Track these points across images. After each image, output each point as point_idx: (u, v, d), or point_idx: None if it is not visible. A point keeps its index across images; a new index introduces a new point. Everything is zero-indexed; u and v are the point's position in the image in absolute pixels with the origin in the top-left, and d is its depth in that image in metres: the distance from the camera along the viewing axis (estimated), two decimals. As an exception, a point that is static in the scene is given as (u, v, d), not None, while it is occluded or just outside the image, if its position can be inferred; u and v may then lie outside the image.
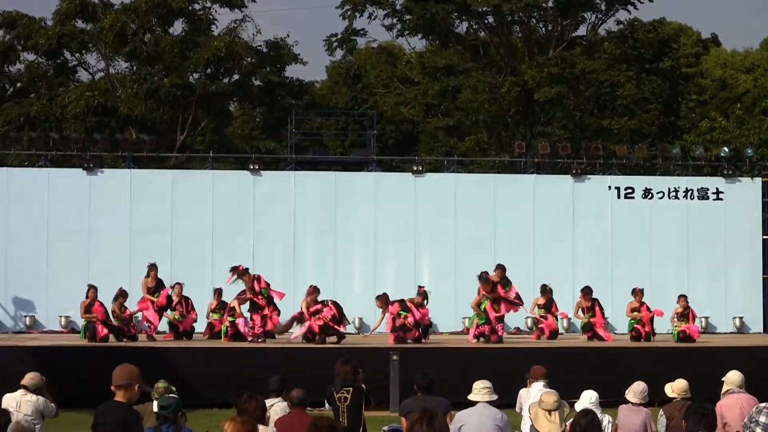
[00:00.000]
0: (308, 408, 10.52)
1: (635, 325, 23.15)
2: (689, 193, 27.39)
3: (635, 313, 23.09)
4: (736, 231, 27.22)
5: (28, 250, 25.33)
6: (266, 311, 20.82)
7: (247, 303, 21.05)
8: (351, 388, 11.00)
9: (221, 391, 18.12)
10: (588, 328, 23.25)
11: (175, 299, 22.63)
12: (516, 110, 39.22)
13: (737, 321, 27.07)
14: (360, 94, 46.51)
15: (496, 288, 21.74)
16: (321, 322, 20.59)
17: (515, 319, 24.97)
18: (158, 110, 37.36)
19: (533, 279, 24.96)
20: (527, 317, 24.96)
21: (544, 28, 40.62)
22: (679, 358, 20.52)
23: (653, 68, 41.39)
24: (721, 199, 27.39)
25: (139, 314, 22.83)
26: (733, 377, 11.06)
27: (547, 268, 25.79)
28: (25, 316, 25.31)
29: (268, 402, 10.20)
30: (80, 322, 22.50)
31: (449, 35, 39.70)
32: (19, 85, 38.69)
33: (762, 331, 27.14)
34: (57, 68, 38.03)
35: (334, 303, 21.04)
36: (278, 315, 21.11)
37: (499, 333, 21.68)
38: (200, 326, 23.11)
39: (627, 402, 11.11)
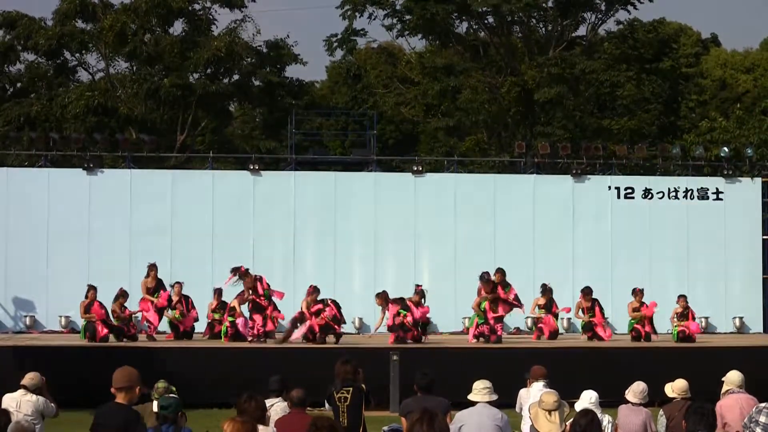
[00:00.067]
0: (308, 408, 10.52)
1: (635, 325, 23.15)
2: (689, 193, 27.39)
3: (636, 313, 23.08)
4: (736, 231, 27.22)
5: (28, 250, 25.33)
6: (268, 312, 20.84)
7: (248, 303, 21.06)
8: (351, 388, 11.01)
9: (221, 391, 18.10)
10: (588, 328, 23.26)
11: (175, 298, 22.64)
12: (516, 110, 39.22)
13: (737, 321, 27.08)
14: (360, 94, 46.51)
15: (496, 288, 21.76)
16: (322, 322, 20.61)
17: (515, 319, 24.98)
18: (158, 110, 37.36)
19: (533, 279, 24.94)
20: (527, 317, 24.96)
21: (544, 29, 40.62)
22: (679, 358, 20.52)
23: (653, 68, 41.39)
24: (721, 200, 27.40)
25: (139, 314, 22.82)
26: (733, 377, 11.06)
27: (547, 269, 25.78)
28: (25, 316, 25.32)
29: (268, 402, 10.20)
30: (80, 322, 22.51)
31: (449, 35, 39.68)
32: (19, 85, 38.69)
33: (762, 331, 27.14)
34: (57, 68, 38.02)
35: (334, 302, 21.06)
36: (279, 313, 21.15)
37: (498, 333, 21.69)
38: (200, 326, 23.11)
39: (627, 402, 11.11)
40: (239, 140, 43.15)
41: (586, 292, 23.35)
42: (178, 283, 22.80)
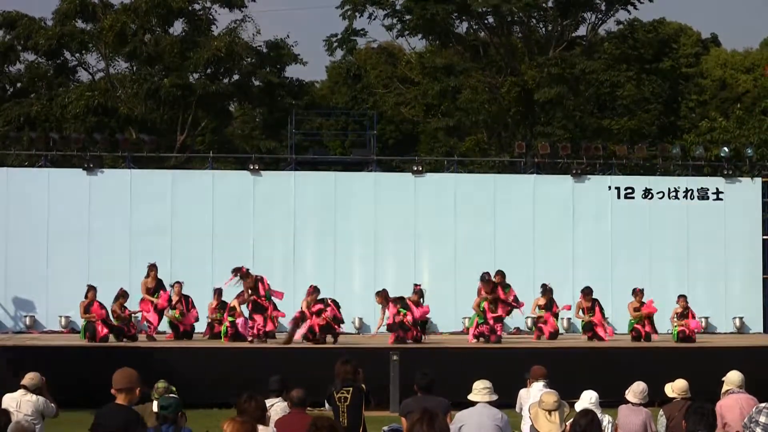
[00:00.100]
0: (308, 408, 10.52)
1: (635, 325, 23.14)
2: (689, 193, 27.40)
3: (638, 313, 23.08)
4: (736, 231, 27.22)
5: (28, 250, 25.33)
6: (269, 312, 20.85)
7: (248, 303, 21.04)
8: (351, 388, 11.00)
9: (221, 391, 18.09)
10: (588, 328, 23.26)
11: (175, 298, 22.64)
12: (516, 110, 39.22)
13: (737, 321, 27.08)
14: (360, 94, 46.50)
15: (496, 289, 21.78)
16: (323, 322, 20.61)
17: (515, 319, 24.97)
18: (158, 110, 37.36)
19: (533, 279, 24.95)
20: (527, 317, 24.96)
21: (544, 29, 40.62)
22: (679, 358, 20.52)
23: (653, 68, 41.39)
24: (721, 199, 27.40)
25: (139, 314, 22.81)
26: (733, 377, 11.06)
27: (547, 269, 25.78)
28: (25, 316, 25.32)
29: (268, 402, 10.20)
30: (80, 322, 22.51)
31: (449, 35, 39.68)
32: (19, 85, 38.69)
33: (762, 331, 27.14)
34: (57, 68, 38.02)
35: (334, 301, 21.07)
36: (279, 312, 21.16)
37: (498, 333, 21.70)
38: (200, 326, 23.11)
39: (627, 402, 11.11)
40: (239, 140, 43.15)
41: (587, 292, 23.35)
42: (178, 282, 22.79)
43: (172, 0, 36.29)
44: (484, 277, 21.95)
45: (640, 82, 40.62)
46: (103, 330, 21.24)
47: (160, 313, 22.59)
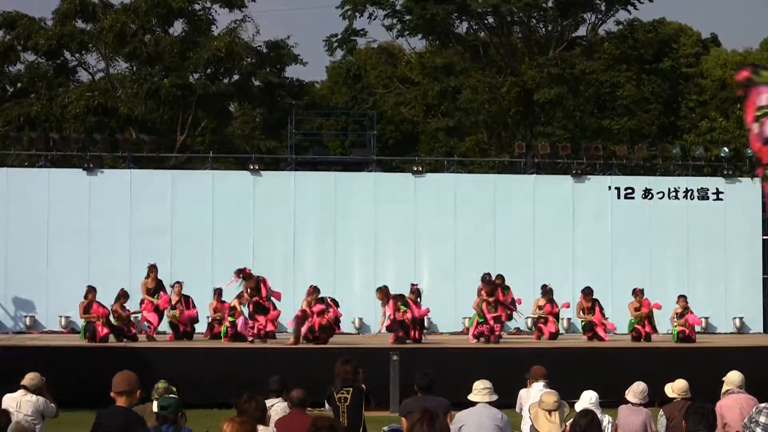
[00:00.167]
0: (308, 408, 10.52)
1: (635, 325, 23.15)
2: (689, 194, 27.40)
3: (638, 312, 23.07)
4: (736, 231, 27.22)
5: (28, 250, 25.33)
6: (271, 313, 20.86)
7: (248, 304, 21.05)
8: (351, 389, 11.01)
9: (221, 391, 18.10)
10: (588, 328, 23.26)
11: (175, 298, 22.63)
12: (516, 110, 39.23)
13: (737, 321, 27.08)
14: (360, 94, 46.51)
15: (496, 290, 21.80)
16: (325, 322, 20.62)
17: (515, 319, 24.95)
18: (158, 110, 37.36)
19: (533, 279, 24.96)
20: (527, 317, 24.96)
21: (543, 29, 40.62)
22: (679, 358, 20.52)
23: (653, 68, 41.38)
24: (721, 200, 27.40)
25: (139, 315, 22.80)
26: (733, 377, 11.06)
27: (547, 269, 25.79)
28: (25, 316, 25.32)
29: (268, 402, 10.20)
30: (80, 322, 22.50)
31: (449, 35, 39.68)
32: (19, 85, 38.69)
33: (762, 331, 27.14)
34: (57, 68, 38.02)
35: (333, 300, 21.08)
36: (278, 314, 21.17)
37: (497, 333, 21.71)
38: (200, 327, 23.10)
39: (627, 402, 11.11)
40: (239, 140, 43.14)
41: (587, 292, 23.35)
42: (178, 282, 22.79)
43: (172, 0, 36.30)
44: (485, 278, 22.01)
45: (640, 82, 40.61)
46: (103, 330, 21.24)
47: (160, 313, 22.58)
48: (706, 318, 26.66)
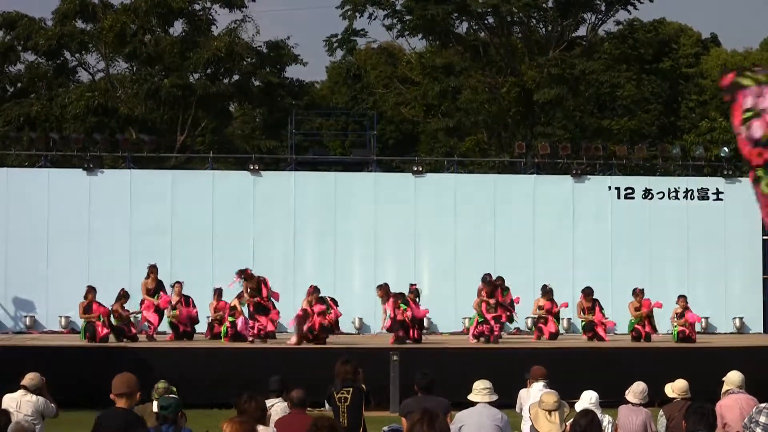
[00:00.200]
0: (308, 408, 10.52)
1: (635, 325, 23.15)
2: (689, 194, 27.39)
3: (638, 312, 23.07)
4: (736, 231, 27.21)
5: (28, 250, 25.33)
6: (272, 313, 20.87)
7: (248, 304, 21.06)
8: (351, 389, 11.01)
9: (221, 391, 18.10)
10: (588, 328, 23.26)
11: (175, 298, 22.63)
12: (516, 111, 39.23)
13: (737, 321, 27.08)
14: (360, 95, 46.52)
15: (496, 291, 21.81)
16: (326, 322, 20.63)
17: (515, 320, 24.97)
18: (158, 110, 37.37)
19: (533, 279, 24.96)
20: (527, 317, 24.96)
21: (543, 29, 40.63)
22: (679, 358, 20.52)
23: (653, 68, 41.39)
24: (721, 200, 27.40)
25: (139, 315, 22.80)
26: (733, 377, 11.06)
27: (547, 269, 25.79)
28: (25, 316, 25.32)
29: (268, 402, 10.20)
30: (80, 322, 22.50)
31: (449, 35, 39.68)
32: (19, 85, 38.70)
33: (762, 331, 27.14)
34: (57, 68, 38.03)
35: (333, 300, 21.08)
36: (278, 315, 21.17)
37: (496, 332, 21.72)
38: (201, 327, 23.10)
39: (627, 402, 11.11)
40: (239, 140, 43.12)
41: (587, 292, 23.36)
42: (178, 282, 22.78)
43: (172, 0, 36.30)
44: (486, 278, 22.02)
45: (640, 82, 40.61)
46: (103, 330, 21.25)
47: (160, 313, 22.57)
48: (706, 318, 26.65)
